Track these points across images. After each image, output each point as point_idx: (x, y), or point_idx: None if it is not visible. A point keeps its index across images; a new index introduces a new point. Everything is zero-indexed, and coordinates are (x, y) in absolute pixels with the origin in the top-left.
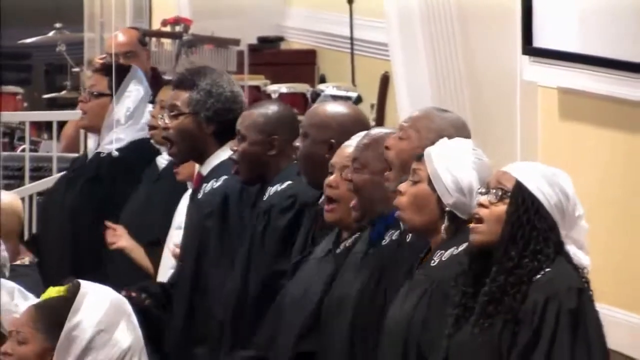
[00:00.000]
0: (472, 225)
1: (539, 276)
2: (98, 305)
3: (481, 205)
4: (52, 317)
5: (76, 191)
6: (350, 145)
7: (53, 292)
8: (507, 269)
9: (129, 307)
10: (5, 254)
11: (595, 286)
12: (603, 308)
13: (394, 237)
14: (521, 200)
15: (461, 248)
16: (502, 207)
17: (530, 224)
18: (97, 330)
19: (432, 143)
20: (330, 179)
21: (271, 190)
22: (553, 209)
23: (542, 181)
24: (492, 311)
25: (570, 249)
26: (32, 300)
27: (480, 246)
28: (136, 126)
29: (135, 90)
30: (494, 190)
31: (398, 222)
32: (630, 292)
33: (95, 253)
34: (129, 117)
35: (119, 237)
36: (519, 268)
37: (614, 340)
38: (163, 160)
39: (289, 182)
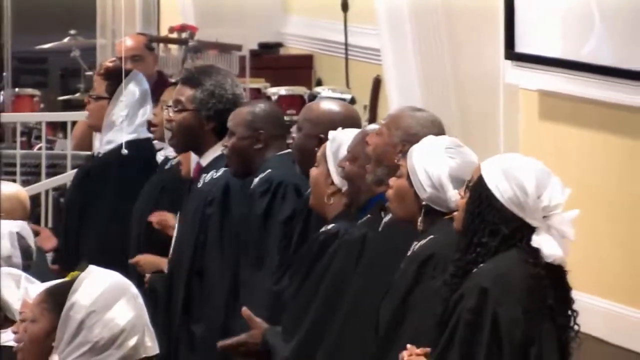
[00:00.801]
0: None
1: (475, 269)
2: (94, 287)
3: (461, 195)
4: (59, 298)
5: (71, 188)
6: (329, 140)
7: (68, 277)
8: (453, 259)
9: (131, 290)
10: (5, 244)
11: (575, 275)
12: (582, 296)
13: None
14: (477, 194)
15: (423, 242)
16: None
17: (480, 217)
18: (89, 311)
19: (400, 140)
20: (312, 169)
21: (255, 180)
22: (509, 203)
23: (499, 175)
24: (443, 298)
25: (539, 239)
26: (38, 285)
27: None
28: (130, 127)
29: (130, 94)
30: (468, 183)
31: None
32: (607, 281)
33: (80, 247)
34: (123, 119)
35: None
36: (460, 261)
37: (592, 326)
38: (160, 156)
39: (269, 170)
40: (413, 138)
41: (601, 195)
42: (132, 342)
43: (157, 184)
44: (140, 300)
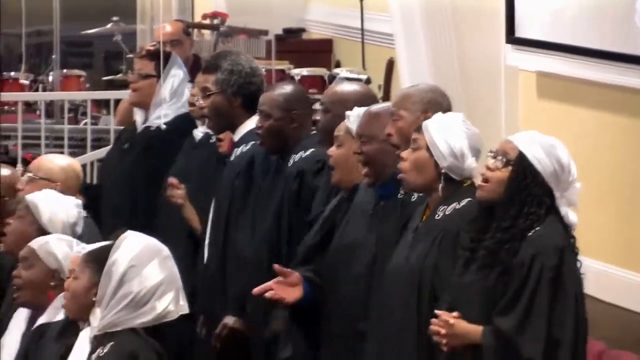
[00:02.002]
0: (479, 183)
1: (530, 233)
2: (133, 246)
3: (488, 168)
4: (100, 257)
5: (131, 159)
6: (346, 120)
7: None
8: (504, 227)
9: (164, 252)
10: (74, 212)
11: None
12: None
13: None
14: (521, 170)
15: (463, 203)
16: (505, 173)
17: (527, 190)
18: (129, 265)
19: (422, 112)
20: (329, 149)
21: (295, 157)
22: (549, 177)
23: (540, 152)
24: (490, 262)
25: (563, 209)
26: (89, 247)
27: (485, 202)
28: (179, 103)
29: (176, 74)
30: (500, 157)
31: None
32: (598, 245)
33: (148, 211)
34: (172, 95)
35: (179, 196)
36: (513, 227)
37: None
38: (199, 132)
39: (312, 149)
40: (429, 105)
41: (593, 168)
42: (170, 295)
43: (208, 157)
44: (173, 262)
